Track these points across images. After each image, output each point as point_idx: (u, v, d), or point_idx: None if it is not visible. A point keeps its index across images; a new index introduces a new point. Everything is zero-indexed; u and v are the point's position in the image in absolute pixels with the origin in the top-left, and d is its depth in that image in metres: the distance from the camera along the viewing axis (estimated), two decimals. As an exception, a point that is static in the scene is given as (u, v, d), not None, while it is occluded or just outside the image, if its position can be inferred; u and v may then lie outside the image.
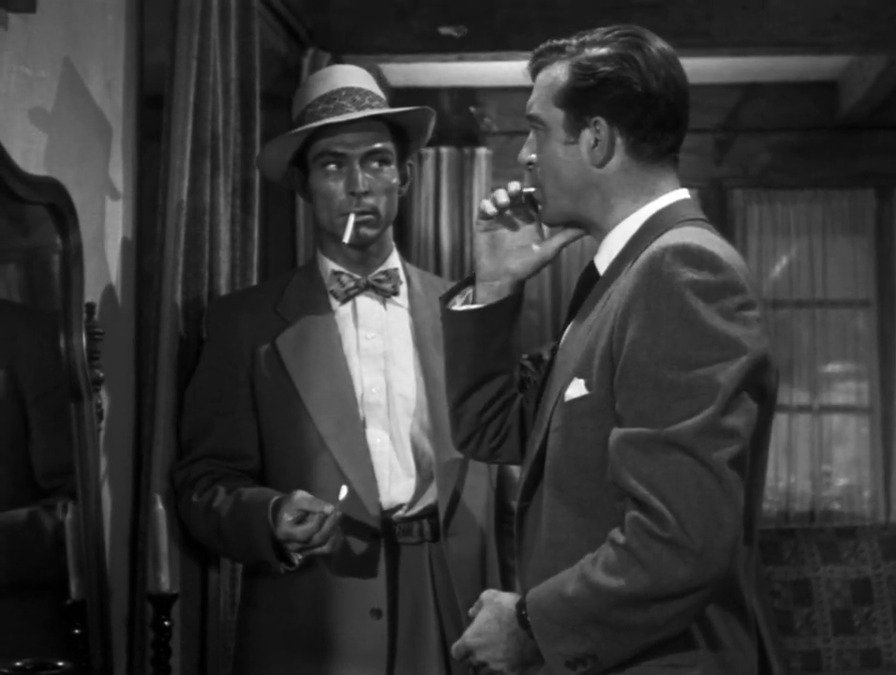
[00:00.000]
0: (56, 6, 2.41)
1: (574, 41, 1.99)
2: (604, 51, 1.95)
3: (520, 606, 1.89)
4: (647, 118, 1.94)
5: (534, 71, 2.04)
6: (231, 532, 2.54)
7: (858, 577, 5.39)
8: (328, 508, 2.41)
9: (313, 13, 4.43)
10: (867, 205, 6.12)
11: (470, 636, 1.97)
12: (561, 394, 1.94)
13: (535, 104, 2.01)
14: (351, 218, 2.60)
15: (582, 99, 1.95)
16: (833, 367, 6.16)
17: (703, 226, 1.94)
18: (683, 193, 2.00)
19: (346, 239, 2.60)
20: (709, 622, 1.86)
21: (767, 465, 1.99)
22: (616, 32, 1.97)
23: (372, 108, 2.63)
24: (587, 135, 1.96)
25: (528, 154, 2.05)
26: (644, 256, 1.86)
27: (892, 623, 5.32)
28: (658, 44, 1.97)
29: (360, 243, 2.64)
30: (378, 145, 2.63)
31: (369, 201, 2.61)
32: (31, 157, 2.31)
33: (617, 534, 1.80)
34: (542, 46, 2.03)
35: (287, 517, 2.43)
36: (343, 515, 2.45)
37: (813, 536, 5.50)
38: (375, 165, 2.63)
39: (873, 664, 5.28)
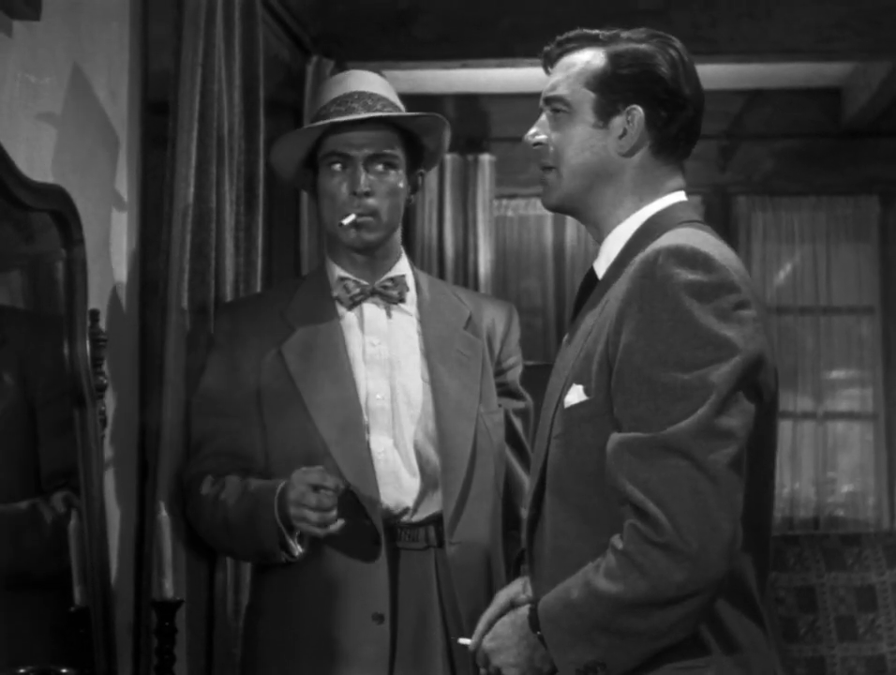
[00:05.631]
0: (61, 13, 2.42)
1: (603, 33, 2.01)
2: (644, 46, 1.97)
3: (533, 610, 1.91)
4: (677, 119, 1.97)
5: (557, 56, 2.05)
6: (237, 522, 2.52)
7: (862, 583, 5.38)
8: (338, 482, 2.42)
9: (317, 20, 4.43)
10: (871, 212, 6.12)
11: (487, 639, 2.00)
12: (561, 400, 1.95)
13: (561, 85, 2.01)
14: (352, 217, 2.59)
15: (620, 87, 1.96)
16: (837, 374, 6.16)
17: (699, 227, 1.95)
18: (680, 196, 2.02)
19: (345, 222, 2.59)
20: (722, 623, 1.86)
21: (775, 467, 1.98)
22: (650, 32, 2.01)
23: (382, 112, 2.64)
24: (617, 122, 1.97)
25: (538, 134, 2.04)
26: (638, 259, 1.87)
27: (897, 630, 5.31)
28: (688, 54, 2.00)
29: (360, 246, 2.63)
30: (385, 150, 2.62)
31: (371, 202, 2.60)
32: (35, 165, 2.32)
33: (616, 540, 1.81)
34: (568, 34, 2.04)
35: (300, 486, 2.42)
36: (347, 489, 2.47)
37: (818, 543, 5.49)
38: (380, 168, 2.62)
39: (878, 671, 5.26)
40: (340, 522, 2.43)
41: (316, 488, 2.41)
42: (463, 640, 2.17)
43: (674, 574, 1.74)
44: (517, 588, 2.15)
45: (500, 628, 1.99)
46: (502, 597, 2.14)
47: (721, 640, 1.86)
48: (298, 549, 2.48)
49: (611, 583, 1.78)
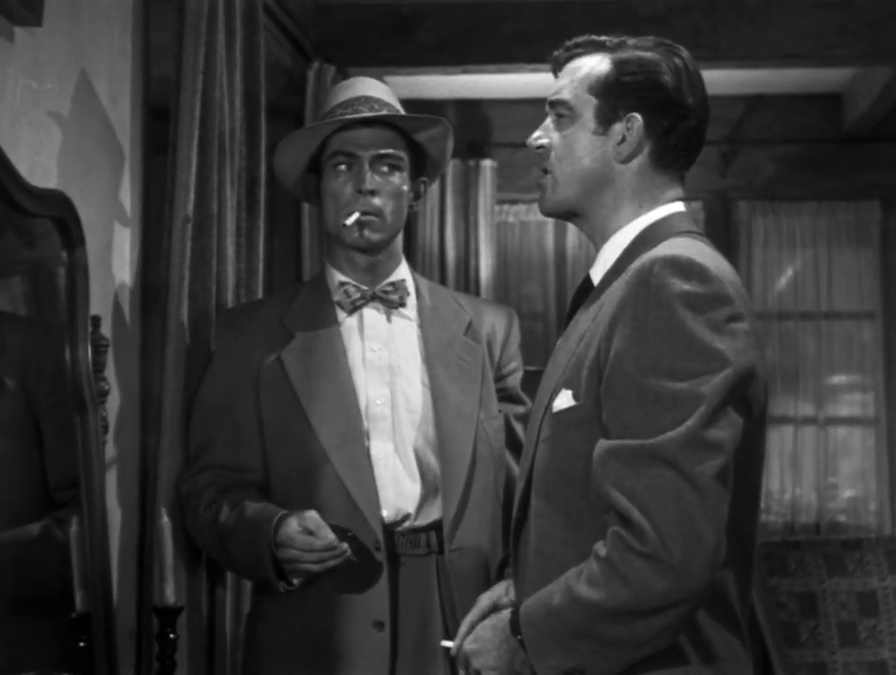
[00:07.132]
0: (63, 19, 2.42)
1: (610, 39, 2.02)
2: (649, 54, 1.98)
3: (515, 614, 1.91)
4: (677, 128, 1.97)
5: (565, 60, 2.05)
6: (235, 549, 2.54)
7: (863, 589, 5.37)
8: (332, 538, 2.43)
9: (318, 26, 4.44)
10: (872, 217, 6.12)
11: (468, 641, 2.01)
12: (550, 404, 1.95)
13: (566, 89, 2.01)
14: (356, 215, 2.60)
15: (622, 93, 1.96)
16: (839, 379, 6.15)
17: (696, 238, 1.95)
18: (679, 206, 2.01)
19: (348, 222, 2.59)
20: (703, 634, 1.86)
21: (761, 481, 1.98)
22: (657, 41, 2.01)
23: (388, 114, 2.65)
24: (617, 129, 1.97)
25: (540, 138, 2.04)
26: (633, 267, 1.87)
27: (899, 636, 5.31)
28: (695, 64, 2.00)
29: (364, 246, 2.63)
30: (390, 150, 2.63)
31: (375, 201, 2.61)
32: (37, 170, 2.32)
33: (600, 547, 1.80)
34: (577, 39, 2.04)
35: (295, 525, 2.44)
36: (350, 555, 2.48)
37: (819, 548, 5.48)
38: (385, 169, 2.63)
39: (880, 676, 5.26)
40: (345, 552, 2.46)
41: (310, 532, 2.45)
42: (445, 643, 2.17)
43: (656, 583, 1.74)
44: (500, 591, 2.16)
45: (482, 631, 2.00)
46: (485, 600, 2.15)
47: (699, 650, 1.85)
48: (296, 579, 2.50)
49: (593, 590, 1.78)
